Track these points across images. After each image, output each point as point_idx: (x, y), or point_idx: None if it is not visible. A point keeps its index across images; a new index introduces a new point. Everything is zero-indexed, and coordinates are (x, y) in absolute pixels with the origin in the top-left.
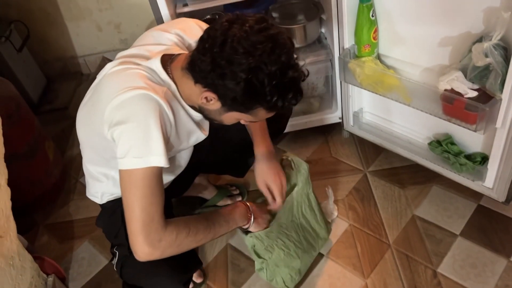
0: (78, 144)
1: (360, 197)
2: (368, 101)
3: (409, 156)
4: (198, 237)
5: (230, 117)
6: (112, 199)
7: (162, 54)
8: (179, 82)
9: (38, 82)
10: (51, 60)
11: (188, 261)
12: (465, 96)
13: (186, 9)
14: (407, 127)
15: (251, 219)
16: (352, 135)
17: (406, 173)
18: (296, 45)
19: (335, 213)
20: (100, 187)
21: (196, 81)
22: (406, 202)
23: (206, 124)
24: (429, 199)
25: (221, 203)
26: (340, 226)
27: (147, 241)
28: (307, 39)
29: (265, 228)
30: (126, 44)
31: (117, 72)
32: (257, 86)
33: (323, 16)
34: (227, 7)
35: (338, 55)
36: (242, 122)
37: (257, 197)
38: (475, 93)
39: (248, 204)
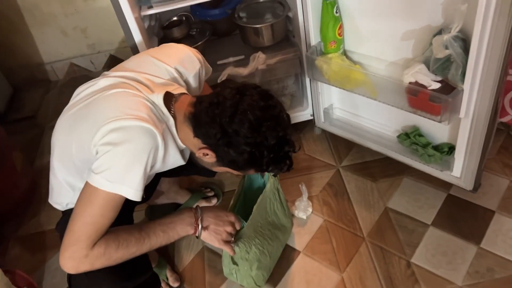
0: (47, 153)
1: (333, 192)
2: (338, 97)
3: (379, 149)
4: (131, 250)
5: (220, 169)
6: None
7: (165, 91)
8: (178, 124)
9: (4, 91)
10: (16, 68)
11: (135, 267)
12: (429, 88)
13: (150, 11)
14: (375, 121)
15: (198, 228)
16: (324, 131)
17: (377, 167)
18: (264, 44)
19: (310, 209)
20: (65, 198)
21: (196, 135)
22: (378, 195)
23: (188, 153)
24: (400, 191)
25: (196, 205)
26: (315, 222)
27: (73, 256)
28: (274, 38)
29: (225, 241)
30: (94, 49)
31: (120, 94)
32: (257, 157)
33: (290, 14)
34: (193, 7)
35: (306, 52)
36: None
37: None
38: (438, 85)
39: (197, 210)
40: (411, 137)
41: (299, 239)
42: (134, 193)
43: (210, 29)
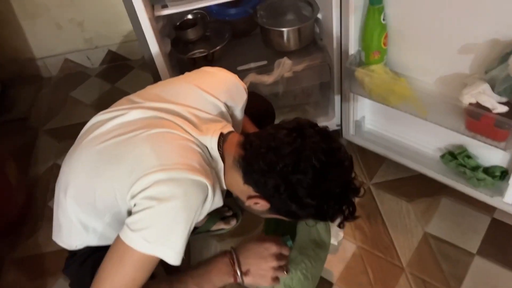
0: (43, 161)
1: (365, 214)
2: (371, 109)
3: (417, 168)
4: None
5: (271, 216)
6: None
7: (219, 132)
8: (226, 168)
9: None
10: (4, 63)
11: None
12: (494, 111)
13: (165, 11)
14: (415, 137)
15: (237, 275)
16: (350, 143)
17: (412, 185)
18: (290, 49)
19: (341, 234)
20: (76, 238)
21: (247, 182)
22: (415, 217)
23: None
24: (440, 214)
25: (214, 227)
26: (347, 248)
27: None
28: (301, 42)
29: (274, 278)
30: (91, 44)
31: (165, 135)
32: (322, 209)
33: (319, 16)
34: (210, 7)
35: (340, 60)
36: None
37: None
38: (505, 108)
39: (232, 253)
40: (458, 159)
41: (331, 269)
42: (175, 256)
43: (229, 30)
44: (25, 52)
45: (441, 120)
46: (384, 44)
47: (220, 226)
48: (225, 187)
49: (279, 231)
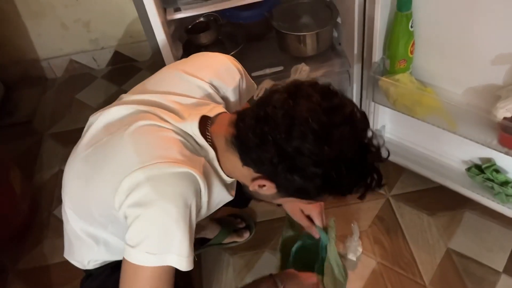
0: (47, 166)
1: (385, 227)
2: (391, 119)
3: (439, 180)
4: None
5: (285, 201)
6: (100, 265)
7: (200, 115)
8: (221, 154)
9: None
10: (7, 64)
11: None
12: None
13: (178, 15)
14: (438, 148)
15: None
16: None
17: (433, 197)
18: (307, 54)
19: (360, 249)
20: (87, 254)
21: (246, 164)
22: (437, 232)
23: (235, 184)
24: (463, 228)
25: (227, 240)
26: (366, 264)
27: None
28: (319, 47)
29: None
30: (97, 45)
31: (141, 130)
32: (334, 178)
33: (338, 20)
34: (223, 9)
35: (361, 67)
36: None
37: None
38: None
39: (277, 282)
40: (485, 173)
41: (350, 286)
42: (185, 261)
43: (243, 34)
44: (29, 53)
45: (471, 134)
46: (411, 52)
47: (233, 239)
48: (227, 178)
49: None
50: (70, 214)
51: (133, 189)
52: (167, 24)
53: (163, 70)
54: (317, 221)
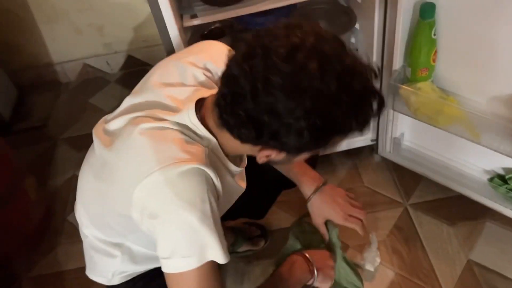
0: (62, 171)
1: (403, 237)
2: (410, 126)
3: (460, 190)
4: None
5: (302, 157)
6: (126, 279)
7: (193, 102)
8: (218, 136)
9: (8, 95)
10: (22, 68)
11: None
12: None
13: (194, 22)
14: (459, 157)
15: (314, 273)
16: (384, 159)
17: (453, 206)
18: None
19: (378, 260)
20: (111, 265)
21: (242, 140)
22: (458, 243)
23: (243, 175)
24: (484, 239)
25: (242, 248)
26: (384, 275)
27: None
28: None
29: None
30: (110, 49)
31: (143, 134)
32: (325, 121)
33: (357, 26)
34: (240, 16)
35: (380, 75)
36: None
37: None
38: None
39: (305, 254)
40: (509, 183)
41: None
42: (222, 252)
43: None
44: (43, 58)
45: (495, 144)
46: (433, 61)
47: (248, 247)
48: (234, 168)
49: None
50: (87, 227)
51: (142, 200)
52: (184, 30)
53: (162, 62)
54: (348, 226)
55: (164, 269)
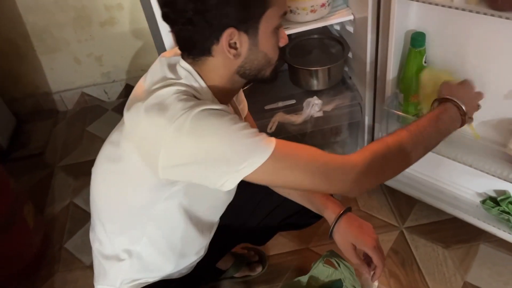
0: (59, 199)
1: (400, 260)
2: None
3: (454, 212)
4: (406, 148)
5: (267, 38)
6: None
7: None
8: (204, 76)
9: (6, 123)
10: (21, 97)
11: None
12: None
13: None
14: (452, 180)
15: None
16: (380, 184)
17: (447, 229)
18: (319, 87)
19: (376, 284)
20: (120, 270)
21: (204, 53)
22: (453, 265)
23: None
24: (479, 261)
25: (239, 274)
26: None
27: (353, 182)
28: (330, 81)
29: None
30: (109, 78)
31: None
32: None
33: (350, 55)
34: None
35: (373, 101)
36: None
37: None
38: None
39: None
40: (501, 205)
41: None
42: (269, 137)
43: None
44: (42, 87)
45: (487, 167)
46: None
47: (245, 272)
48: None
49: None
50: (99, 230)
51: (175, 145)
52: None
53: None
54: (374, 257)
55: (249, 170)
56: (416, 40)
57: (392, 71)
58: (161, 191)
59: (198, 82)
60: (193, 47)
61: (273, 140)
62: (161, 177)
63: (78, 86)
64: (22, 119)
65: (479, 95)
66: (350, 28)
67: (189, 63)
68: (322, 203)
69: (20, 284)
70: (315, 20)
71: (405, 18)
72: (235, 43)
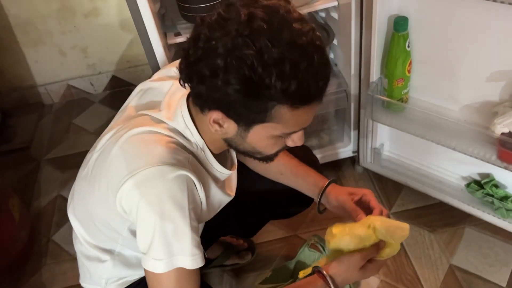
0: (45, 192)
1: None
2: (390, 136)
3: (440, 197)
4: None
5: (259, 138)
6: (120, 287)
7: (184, 97)
8: (202, 127)
9: None
10: (5, 91)
11: None
12: None
13: (178, 39)
14: (437, 165)
15: None
16: (366, 170)
17: (433, 214)
18: None
19: None
20: (104, 271)
21: (202, 109)
22: (439, 248)
23: (231, 183)
24: (464, 244)
25: (229, 262)
26: (371, 283)
27: None
28: None
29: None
30: (94, 70)
31: (131, 139)
32: (251, 75)
33: (335, 42)
34: None
35: (359, 87)
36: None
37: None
38: None
39: (325, 274)
40: (485, 188)
41: None
42: (192, 259)
43: None
44: (26, 80)
45: (470, 150)
46: (408, 71)
47: (235, 260)
48: (221, 170)
49: None
50: (79, 232)
51: (127, 199)
52: (168, 48)
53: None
54: (372, 199)
55: (143, 264)
56: (399, 24)
57: (376, 56)
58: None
59: (191, 131)
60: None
61: (196, 263)
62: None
63: (64, 79)
64: (7, 113)
65: (370, 272)
66: (335, 15)
67: (193, 108)
68: (307, 173)
69: (8, 278)
70: (299, 6)
71: (388, 2)
72: (219, 120)
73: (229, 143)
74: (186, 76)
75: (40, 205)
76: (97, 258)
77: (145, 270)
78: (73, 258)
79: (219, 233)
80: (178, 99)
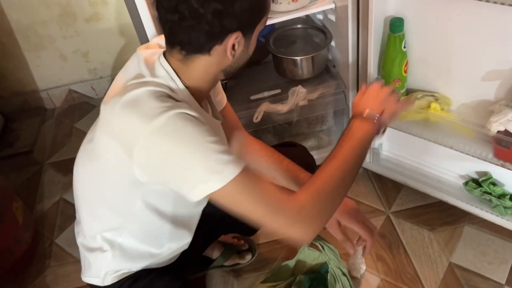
0: (48, 196)
1: (387, 244)
2: (389, 136)
3: (438, 196)
4: (336, 179)
5: (253, 46)
6: (117, 279)
7: (159, 54)
8: (186, 76)
9: None
10: (8, 95)
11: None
12: None
13: None
14: (435, 164)
15: (376, 121)
16: (365, 169)
17: (432, 212)
18: (303, 77)
19: (364, 267)
20: (103, 261)
21: (203, 49)
22: (439, 247)
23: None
24: (464, 242)
25: (229, 262)
26: (371, 282)
27: (302, 223)
28: (314, 70)
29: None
30: (96, 74)
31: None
32: None
33: (332, 43)
34: None
35: (356, 88)
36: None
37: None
38: None
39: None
40: (483, 186)
41: None
42: (238, 162)
43: None
44: (28, 85)
45: (467, 149)
46: (405, 72)
47: (235, 261)
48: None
49: None
50: (84, 220)
51: (147, 150)
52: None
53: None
54: (360, 231)
55: (197, 195)
56: (395, 25)
57: (373, 57)
58: (138, 189)
59: (175, 82)
60: (189, 43)
61: (242, 163)
62: (134, 172)
63: (65, 83)
64: (9, 117)
65: (385, 91)
66: (332, 17)
67: (175, 59)
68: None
69: (12, 280)
70: (297, 9)
71: (384, 4)
72: (235, 45)
73: (229, 69)
74: (185, 19)
75: (43, 208)
76: (98, 248)
77: (218, 194)
78: (76, 261)
79: (219, 231)
80: (154, 59)
